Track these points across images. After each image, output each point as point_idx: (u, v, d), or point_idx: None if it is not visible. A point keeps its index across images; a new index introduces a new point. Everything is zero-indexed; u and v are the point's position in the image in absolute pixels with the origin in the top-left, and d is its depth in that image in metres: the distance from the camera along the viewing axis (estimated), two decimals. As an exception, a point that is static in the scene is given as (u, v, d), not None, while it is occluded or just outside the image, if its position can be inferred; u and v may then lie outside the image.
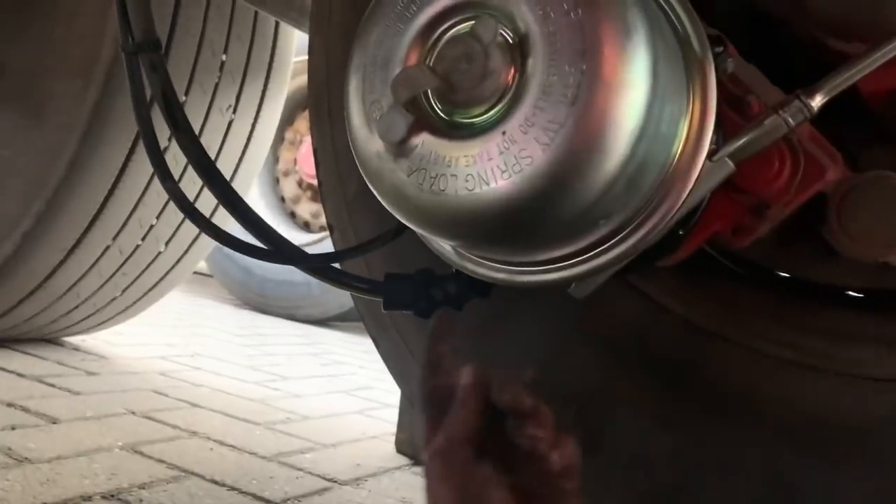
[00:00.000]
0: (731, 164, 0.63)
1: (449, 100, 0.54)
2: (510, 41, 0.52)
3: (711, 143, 0.65)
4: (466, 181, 0.52)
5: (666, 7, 0.60)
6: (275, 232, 0.68)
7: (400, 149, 0.54)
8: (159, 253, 1.64)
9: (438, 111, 0.54)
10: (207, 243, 1.78)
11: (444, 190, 0.53)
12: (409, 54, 0.55)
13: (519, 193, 0.51)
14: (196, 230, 1.74)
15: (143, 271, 1.68)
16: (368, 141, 0.56)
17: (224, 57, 1.50)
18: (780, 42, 0.88)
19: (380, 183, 0.56)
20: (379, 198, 0.58)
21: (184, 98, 1.46)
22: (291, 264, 0.69)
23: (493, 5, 0.52)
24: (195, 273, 2.14)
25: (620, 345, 0.89)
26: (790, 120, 0.61)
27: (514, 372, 0.56)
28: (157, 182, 1.53)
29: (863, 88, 0.77)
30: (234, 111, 1.56)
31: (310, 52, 1.01)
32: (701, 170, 0.61)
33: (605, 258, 0.60)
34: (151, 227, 1.58)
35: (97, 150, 1.43)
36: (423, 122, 0.54)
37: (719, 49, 0.71)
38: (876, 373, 0.83)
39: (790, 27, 0.87)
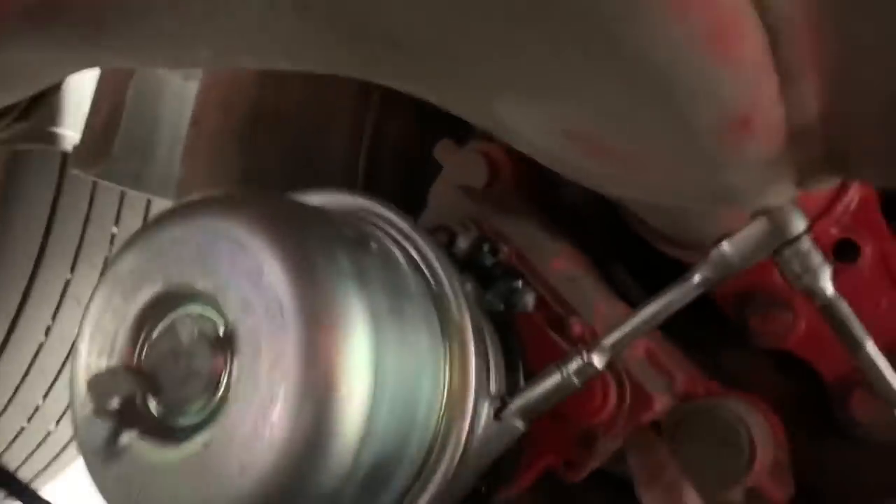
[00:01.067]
0: (520, 424, 0.57)
1: (157, 400, 0.48)
2: (220, 334, 0.47)
3: (511, 387, 0.60)
4: (171, 497, 0.46)
5: (423, 267, 0.55)
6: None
7: (106, 452, 0.48)
8: (48, 433, 1.56)
9: (153, 409, 0.49)
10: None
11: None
12: (125, 344, 0.50)
13: (219, 518, 0.44)
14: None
15: (32, 453, 1.58)
16: (82, 439, 0.50)
17: (115, 229, 1.47)
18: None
19: (95, 482, 0.50)
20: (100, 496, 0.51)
21: (69, 275, 1.42)
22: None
23: (203, 294, 0.48)
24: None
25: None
26: (574, 379, 0.56)
27: None
28: (41, 360, 1.47)
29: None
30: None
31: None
32: (481, 435, 0.55)
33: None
34: (37, 407, 1.50)
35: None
36: (130, 423, 0.48)
37: (515, 283, 0.67)
38: None
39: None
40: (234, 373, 0.46)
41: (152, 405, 0.49)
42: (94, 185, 1.41)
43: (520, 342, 0.63)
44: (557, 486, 0.75)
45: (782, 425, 0.77)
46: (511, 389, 0.60)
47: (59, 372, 1.51)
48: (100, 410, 0.47)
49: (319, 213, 0.51)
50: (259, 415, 0.44)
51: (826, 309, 0.51)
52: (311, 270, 0.45)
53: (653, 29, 0.25)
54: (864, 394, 0.74)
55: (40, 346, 1.46)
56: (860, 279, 0.75)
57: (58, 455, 1.60)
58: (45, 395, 1.52)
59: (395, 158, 1.02)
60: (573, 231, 0.84)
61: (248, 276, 0.46)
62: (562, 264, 0.78)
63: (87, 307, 0.52)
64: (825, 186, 0.42)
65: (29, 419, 1.50)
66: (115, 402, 0.47)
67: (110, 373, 0.47)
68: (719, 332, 0.86)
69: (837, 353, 0.78)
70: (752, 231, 0.50)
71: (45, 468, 1.61)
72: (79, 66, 0.69)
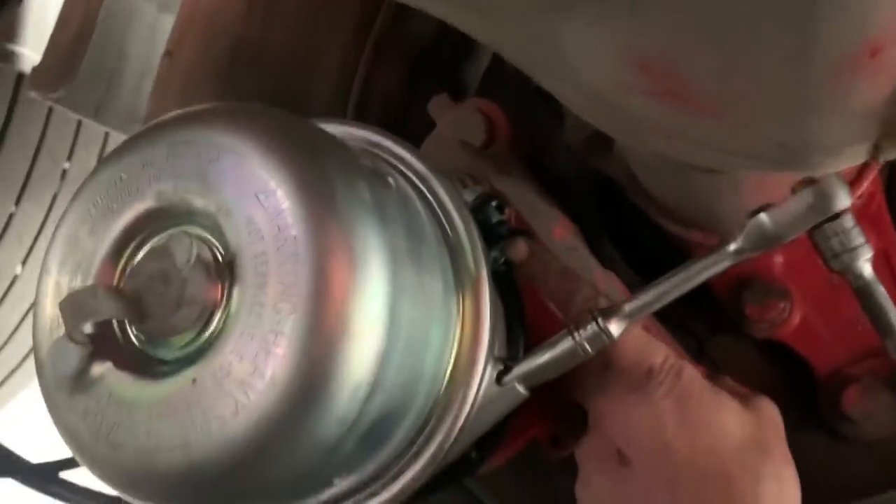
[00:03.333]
0: (522, 390, 0.53)
1: (141, 328, 0.43)
2: (219, 259, 0.42)
3: (513, 357, 0.56)
4: (147, 437, 0.41)
5: (438, 212, 0.51)
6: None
7: (75, 383, 0.42)
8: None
9: (133, 338, 0.43)
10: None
11: (121, 444, 0.41)
12: (105, 264, 0.44)
13: (203, 463, 0.39)
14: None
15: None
16: (47, 366, 0.45)
17: (67, 165, 1.37)
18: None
19: (56, 416, 0.44)
20: (59, 434, 0.46)
21: (13, 209, 1.32)
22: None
23: (202, 213, 0.42)
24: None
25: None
26: (587, 346, 0.52)
27: None
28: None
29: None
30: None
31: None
32: (482, 398, 0.51)
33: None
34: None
35: None
36: (105, 352, 0.42)
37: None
38: None
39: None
40: (234, 303, 0.41)
41: (133, 333, 0.43)
42: (49, 114, 1.32)
43: (522, 308, 0.59)
44: (538, 462, 0.71)
45: (768, 416, 0.75)
46: (512, 356, 0.56)
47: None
48: (71, 335, 0.41)
49: (335, 138, 0.46)
50: (261, 350, 0.39)
51: (862, 291, 0.49)
52: (330, 196, 0.41)
53: None
54: (859, 390, 0.72)
55: (-27, 281, 1.36)
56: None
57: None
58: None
59: (384, 111, 0.96)
60: (562, 201, 0.81)
61: (256, 196, 0.41)
62: (561, 233, 0.74)
63: (61, 218, 0.46)
64: (891, 158, 0.39)
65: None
66: (89, 327, 0.42)
67: (87, 292, 0.41)
68: (709, 317, 0.84)
69: (833, 347, 0.77)
70: (795, 203, 0.47)
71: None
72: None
